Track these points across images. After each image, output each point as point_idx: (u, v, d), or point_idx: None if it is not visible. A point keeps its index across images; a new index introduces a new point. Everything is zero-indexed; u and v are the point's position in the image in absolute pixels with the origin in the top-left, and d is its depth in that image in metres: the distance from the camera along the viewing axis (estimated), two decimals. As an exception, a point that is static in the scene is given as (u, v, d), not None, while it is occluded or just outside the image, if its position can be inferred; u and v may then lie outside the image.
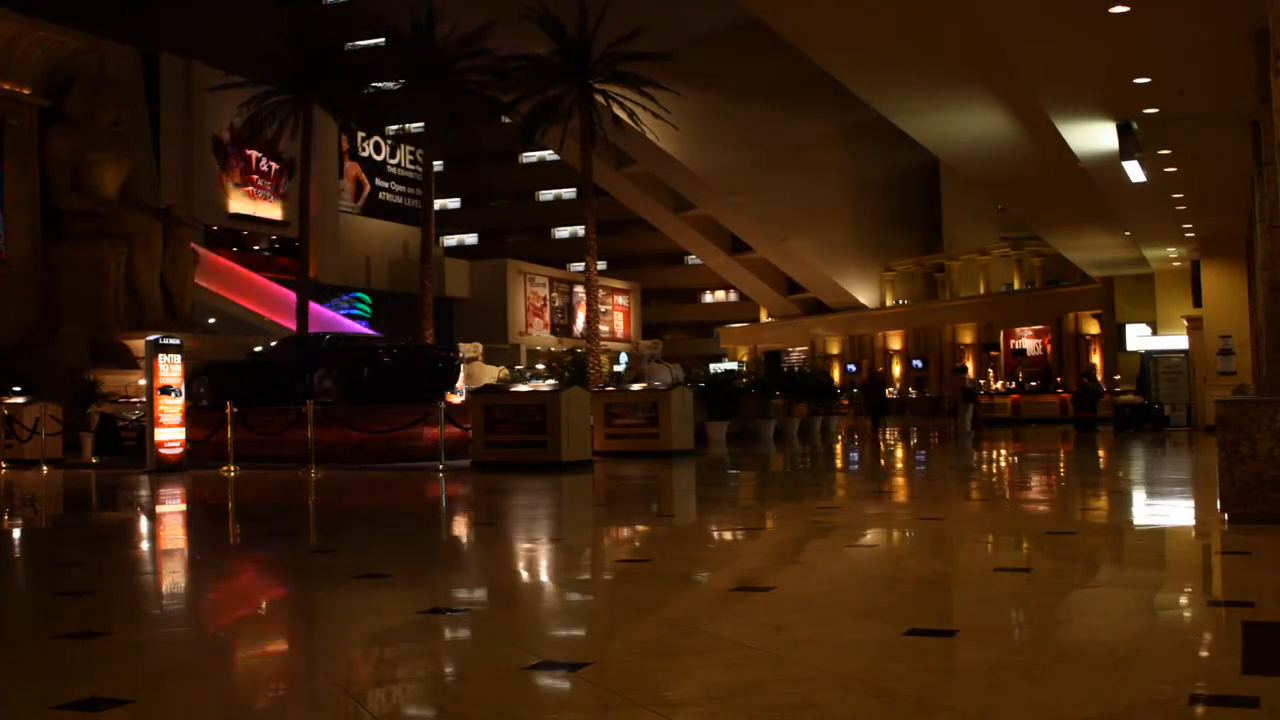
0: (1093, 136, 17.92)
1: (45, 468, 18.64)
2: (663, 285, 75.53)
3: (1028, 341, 45.47)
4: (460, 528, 10.10)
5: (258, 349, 22.42)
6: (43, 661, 4.73)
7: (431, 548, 8.74)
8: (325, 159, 49.98)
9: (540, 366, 41.28)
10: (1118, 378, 33.77)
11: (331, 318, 43.89)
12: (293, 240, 42.89)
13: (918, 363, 50.08)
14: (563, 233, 75.47)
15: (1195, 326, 27.25)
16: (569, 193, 71.49)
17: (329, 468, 16.28)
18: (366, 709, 3.86)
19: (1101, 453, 18.58)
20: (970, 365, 47.30)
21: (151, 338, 17.29)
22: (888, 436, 25.70)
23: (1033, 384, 36.71)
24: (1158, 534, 8.49)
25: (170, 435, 16.85)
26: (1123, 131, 17.02)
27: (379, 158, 57.70)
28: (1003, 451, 19.85)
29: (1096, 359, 40.29)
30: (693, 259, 67.52)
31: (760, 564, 7.30)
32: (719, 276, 63.63)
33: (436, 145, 34.60)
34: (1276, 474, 7.61)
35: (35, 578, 7.59)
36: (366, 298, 53.12)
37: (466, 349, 28.68)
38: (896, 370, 51.23)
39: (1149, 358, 27.66)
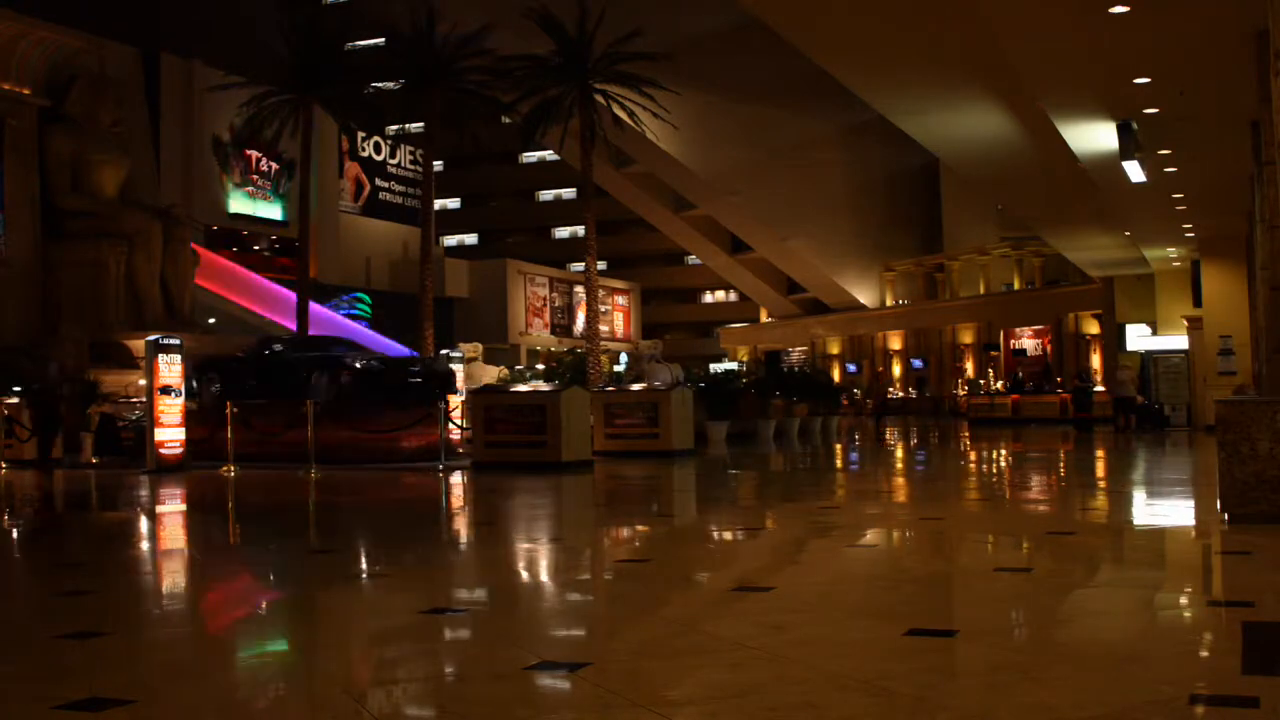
0: (1093, 136, 17.91)
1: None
2: (663, 285, 75.54)
3: (1028, 341, 45.47)
4: (460, 527, 10.10)
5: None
6: (43, 661, 4.73)
7: (431, 548, 8.74)
8: (325, 159, 49.98)
9: (540, 366, 41.28)
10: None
11: (331, 318, 43.88)
12: (293, 240, 42.88)
13: (918, 362, 50.10)
14: (563, 233, 75.49)
15: (1195, 326, 27.26)
16: (569, 193, 71.51)
17: (328, 468, 16.28)
18: (366, 709, 3.86)
19: (1100, 453, 18.58)
20: (970, 365, 47.35)
21: (151, 338, 17.28)
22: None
23: (1030, 384, 36.65)
24: (1158, 534, 8.49)
25: (170, 435, 16.84)
26: (1123, 131, 17.01)
27: (379, 158, 57.69)
28: (1003, 452, 19.86)
29: (1096, 359, 40.31)
30: (693, 259, 67.54)
31: (760, 564, 7.30)
32: (719, 276, 63.65)
33: (436, 145, 34.57)
34: (1276, 474, 7.61)
35: (35, 578, 7.59)
36: (366, 298, 53.08)
37: (466, 349, 28.71)
38: (896, 370, 51.25)
39: (1149, 358, 27.66)
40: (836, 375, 48.92)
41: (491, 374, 29.43)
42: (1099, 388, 31.74)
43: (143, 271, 27.23)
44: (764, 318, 60.83)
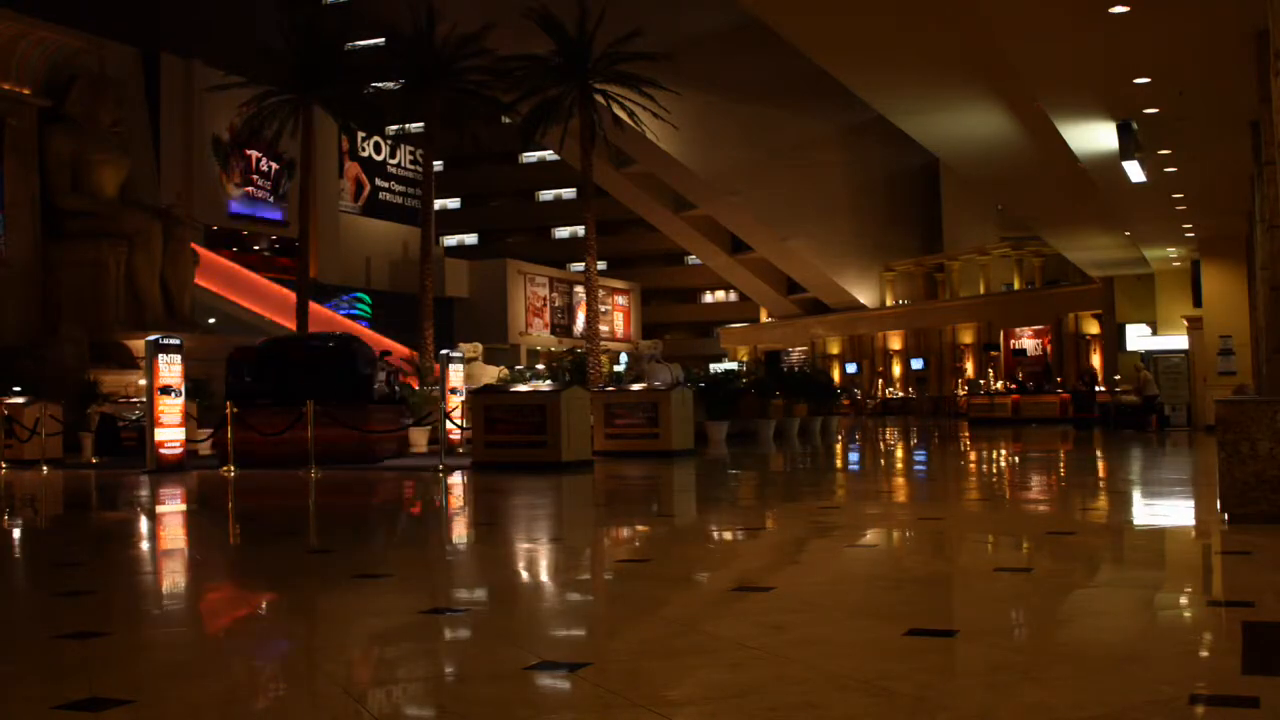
0: (1093, 136, 17.91)
1: (45, 468, 18.63)
2: (663, 285, 75.53)
3: (1028, 341, 45.48)
4: (460, 527, 10.10)
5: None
6: (43, 661, 4.73)
7: (431, 547, 8.74)
8: (325, 159, 49.99)
9: (540, 366, 41.28)
10: (1118, 378, 33.79)
11: (331, 318, 43.90)
12: (293, 240, 42.90)
13: (918, 362, 50.08)
14: (563, 233, 75.49)
15: (1195, 326, 27.28)
16: (569, 193, 71.51)
17: (328, 468, 16.28)
18: (366, 709, 3.86)
19: (1100, 453, 18.58)
20: (970, 365, 47.32)
21: (151, 338, 17.28)
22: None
23: (1030, 385, 36.62)
24: (1158, 534, 8.49)
25: (170, 435, 16.85)
26: (1123, 131, 17.01)
27: (379, 158, 57.70)
28: (1003, 452, 19.86)
29: (1096, 359, 40.30)
30: (693, 259, 67.53)
31: (760, 564, 7.30)
32: (719, 276, 63.63)
33: (436, 145, 34.57)
34: (1276, 474, 7.61)
35: (35, 578, 7.59)
36: (366, 298, 53.13)
37: (466, 349, 28.70)
38: (896, 370, 51.23)
39: (1149, 358, 27.68)
40: (836, 375, 48.90)
41: (491, 374, 29.41)
42: (1100, 388, 31.75)
43: (143, 271, 27.26)
44: (764, 318, 60.81)
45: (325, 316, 42.24)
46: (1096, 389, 30.03)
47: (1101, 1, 11.80)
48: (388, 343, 34.33)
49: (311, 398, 16.50)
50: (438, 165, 42.03)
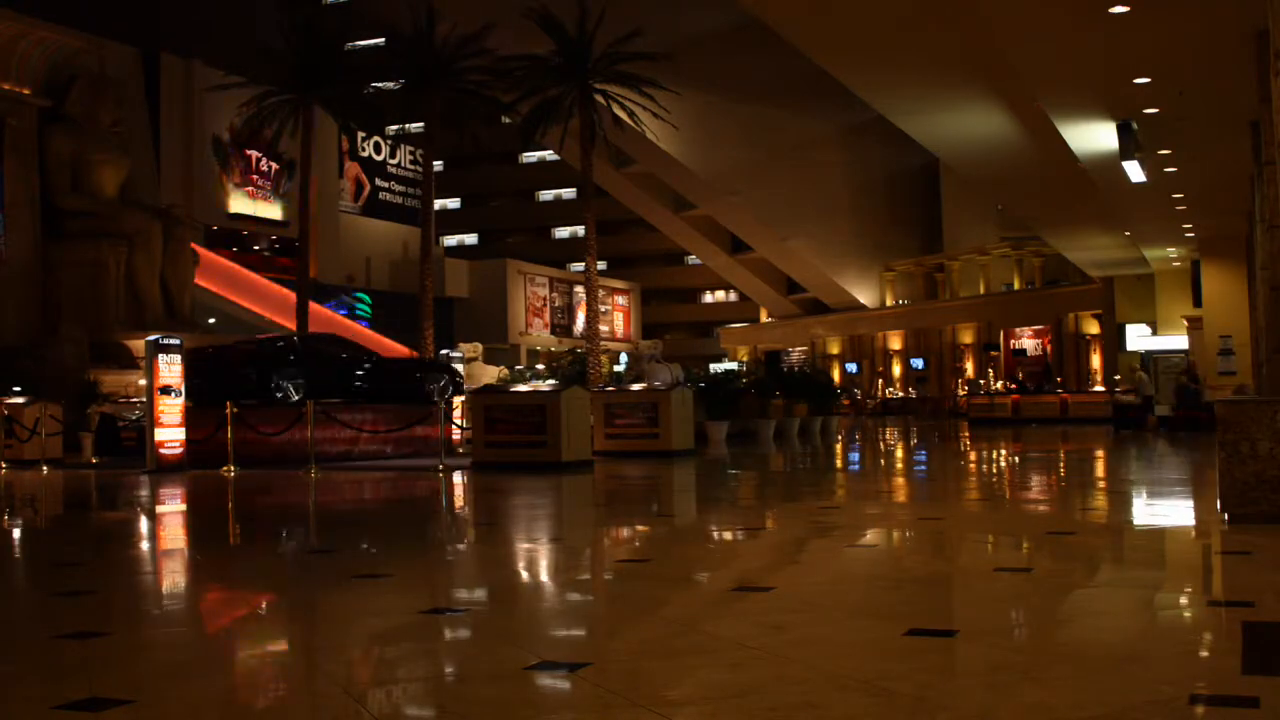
0: (1093, 136, 17.93)
1: (45, 468, 18.62)
2: (663, 285, 75.54)
3: (1028, 341, 45.49)
4: (460, 527, 10.10)
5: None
6: (43, 661, 4.73)
7: (431, 547, 8.74)
8: (325, 159, 50.01)
9: (540, 366, 41.29)
10: (1118, 378, 33.81)
11: (331, 318, 43.90)
12: (293, 240, 42.91)
13: (918, 362, 50.10)
14: (563, 233, 75.51)
15: (1195, 326, 27.32)
16: (569, 193, 71.52)
17: (328, 467, 16.28)
18: (366, 709, 3.86)
19: (1100, 453, 18.59)
20: (970, 365, 47.32)
21: (151, 338, 17.27)
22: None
23: (1029, 385, 36.62)
24: (1158, 534, 8.49)
25: (170, 435, 16.84)
26: (1123, 131, 17.03)
27: (379, 158, 57.69)
28: (1003, 452, 19.86)
29: (1097, 359, 40.31)
30: (693, 259, 67.55)
31: (760, 564, 7.30)
32: (719, 276, 63.66)
33: (436, 145, 34.59)
34: (1276, 474, 7.61)
35: (35, 578, 7.59)
36: (366, 298, 53.13)
37: (466, 349, 28.73)
38: (896, 370, 51.24)
39: (1149, 358, 27.70)
40: (836, 375, 48.90)
41: (491, 374, 29.44)
42: (1099, 389, 31.74)
43: (143, 271, 27.24)
44: (764, 318, 60.82)
45: (325, 316, 42.24)
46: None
47: (1101, 1, 11.82)
48: (387, 342, 34.40)
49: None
50: (438, 165, 42.05)
